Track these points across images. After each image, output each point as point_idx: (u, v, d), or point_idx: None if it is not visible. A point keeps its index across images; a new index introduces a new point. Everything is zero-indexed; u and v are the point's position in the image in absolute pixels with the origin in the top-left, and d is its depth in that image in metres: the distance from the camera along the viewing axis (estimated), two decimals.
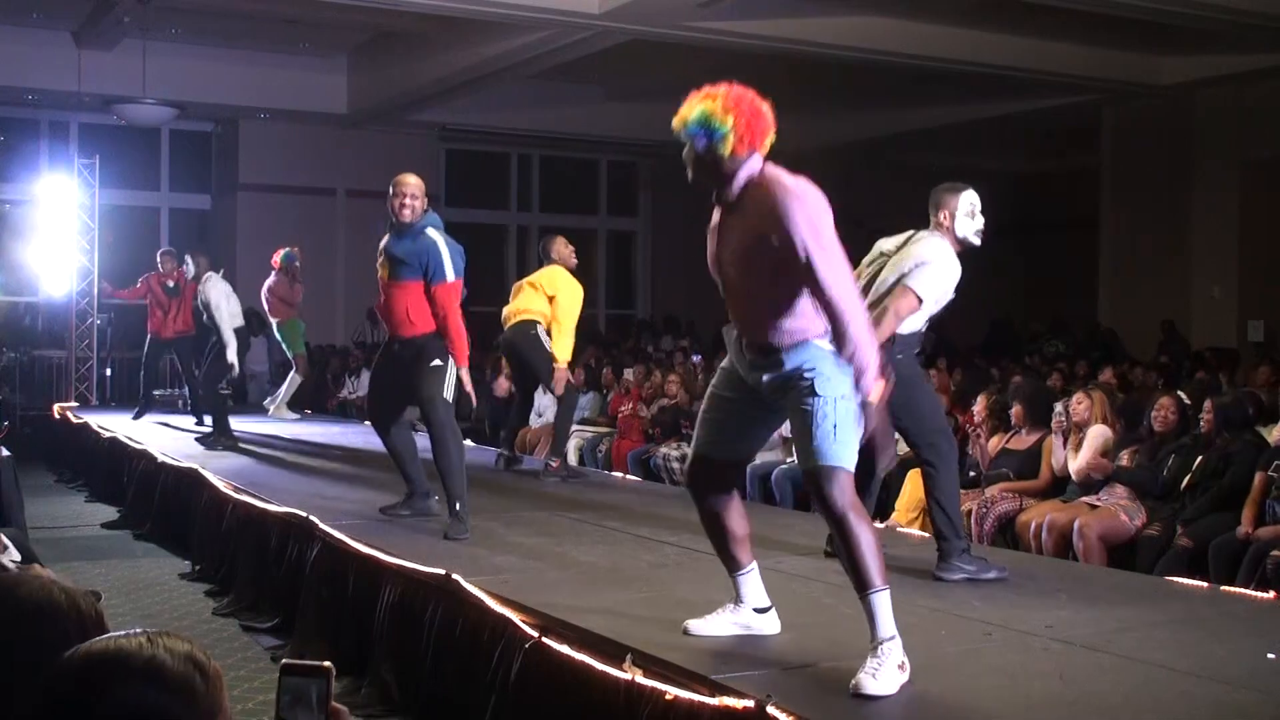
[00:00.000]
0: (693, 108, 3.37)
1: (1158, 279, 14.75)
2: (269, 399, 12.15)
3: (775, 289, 3.36)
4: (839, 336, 3.31)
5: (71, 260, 13.60)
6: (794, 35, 12.25)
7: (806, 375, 3.38)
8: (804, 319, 3.38)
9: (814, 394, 3.36)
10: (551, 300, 7.57)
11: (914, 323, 4.77)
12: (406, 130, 16.73)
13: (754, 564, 3.75)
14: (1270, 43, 12.26)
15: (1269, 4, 11.00)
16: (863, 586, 3.30)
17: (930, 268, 4.70)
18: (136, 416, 11.12)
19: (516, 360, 7.93)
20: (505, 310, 7.79)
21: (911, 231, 4.92)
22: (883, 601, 3.29)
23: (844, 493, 3.34)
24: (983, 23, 12.52)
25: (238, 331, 9.48)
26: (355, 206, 17.21)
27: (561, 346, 7.55)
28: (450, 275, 5.57)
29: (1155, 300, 14.48)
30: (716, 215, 3.53)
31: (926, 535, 5.88)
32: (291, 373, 11.80)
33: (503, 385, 10.52)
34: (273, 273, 11.27)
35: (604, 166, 19.99)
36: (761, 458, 8.16)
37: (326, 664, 1.61)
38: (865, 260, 4.97)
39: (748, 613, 3.72)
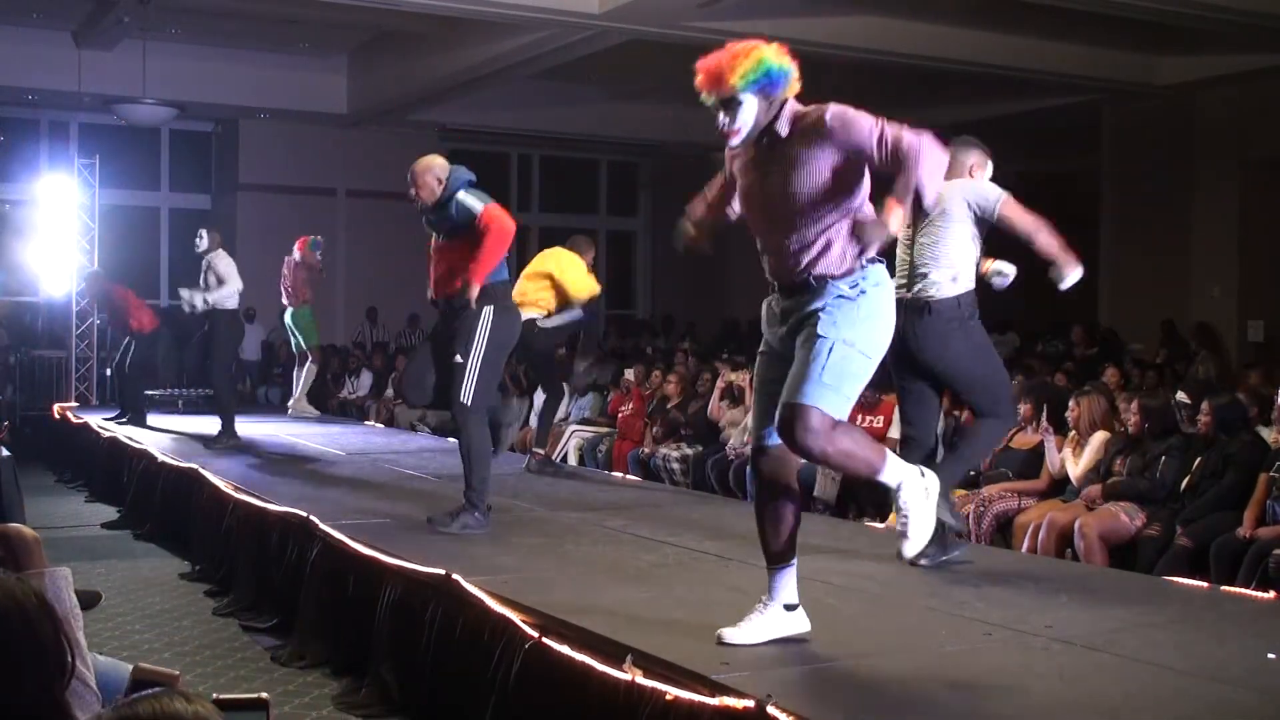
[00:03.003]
0: (750, 61, 3.38)
1: (1158, 279, 14.75)
2: (290, 401, 12.09)
3: (818, 216, 3.41)
4: (902, 174, 3.35)
5: (71, 260, 13.59)
6: (794, 35, 12.20)
7: (820, 317, 3.41)
8: (834, 257, 3.43)
9: (817, 335, 3.39)
10: (550, 278, 7.53)
11: (959, 283, 4.75)
12: (406, 130, 16.73)
13: (795, 561, 3.68)
14: (1270, 43, 12.25)
15: (1269, 4, 11.00)
16: (873, 474, 3.49)
17: (979, 190, 4.78)
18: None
19: (525, 357, 7.90)
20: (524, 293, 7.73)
21: None
22: (892, 468, 3.48)
23: (814, 433, 3.33)
24: (983, 23, 12.52)
25: (234, 313, 9.51)
26: (355, 206, 17.22)
27: (584, 289, 7.53)
28: (479, 206, 5.61)
29: (1155, 300, 14.48)
30: (750, 152, 3.54)
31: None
32: (308, 365, 11.74)
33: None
34: (295, 252, 11.37)
35: (604, 166, 20.00)
36: None
37: (264, 696, 1.65)
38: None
39: (779, 612, 3.62)
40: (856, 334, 3.40)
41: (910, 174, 3.34)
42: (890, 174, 3.38)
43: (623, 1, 11.13)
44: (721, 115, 3.42)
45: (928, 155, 3.36)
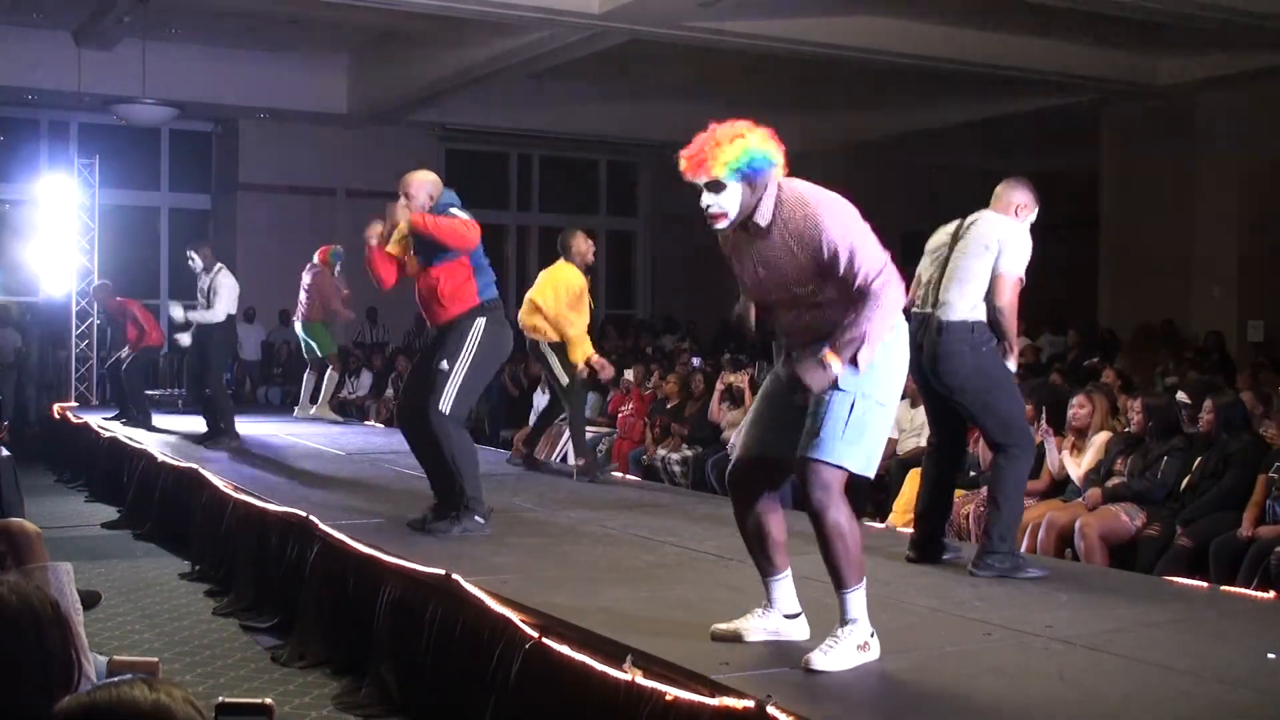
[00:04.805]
0: (733, 149, 3.33)
1: (1158, 279, 14.75)
2: (299, 407, 12.01)
3: (823, 296, 3.42)
4: (856, 319, 3.35)
5: (71, 260, 13.59)
6: (794, 35, 12.24)
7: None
8: (839, 320, 3.43)
9: (835, 388, 3.40)
10: (541, 311, 7.57)
11: (969, 308, 4.78)
12: (406, 130, 16.74)
13: (789, 570, 3.70)
14: (1270, 43, 12.25)
15: (1269, 4, 11.00)
16: (837, 584, 3.43)
17: (1013, 244, 4.76)
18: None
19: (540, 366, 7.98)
20: (521, 317, 7.79)
21: (959, 220, 4.94)
22: (855, 597, 3.42)
23: (826, 490, 3.39)
24: (983, 23, 12.52)
25: (227, 322, 9.51)
26: (355, 206, 17.19)
27: (577, 349, 7.53)
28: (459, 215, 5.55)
29: (1155, 300, 14.48)
30: (739, 240, 3.54)
31: None
32: (328, 373, 11.64)
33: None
34: (315, 267, 11.20)
35: (604, 166, 20.00)
36: None
37: (267, 701, 1.60)
38: (928, 256, 5.02)
39: (778, 618, 3.66)
40: (874, 385, 3.42)
41: (861, 327, 3.34)
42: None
43: (623, 1, 11.13)
44: (706, 195, 3.40)
45: (884, 313, 3.37)
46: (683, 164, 3.41)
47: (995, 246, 4.76)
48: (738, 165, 3.33)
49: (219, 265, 9.51)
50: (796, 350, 3.57)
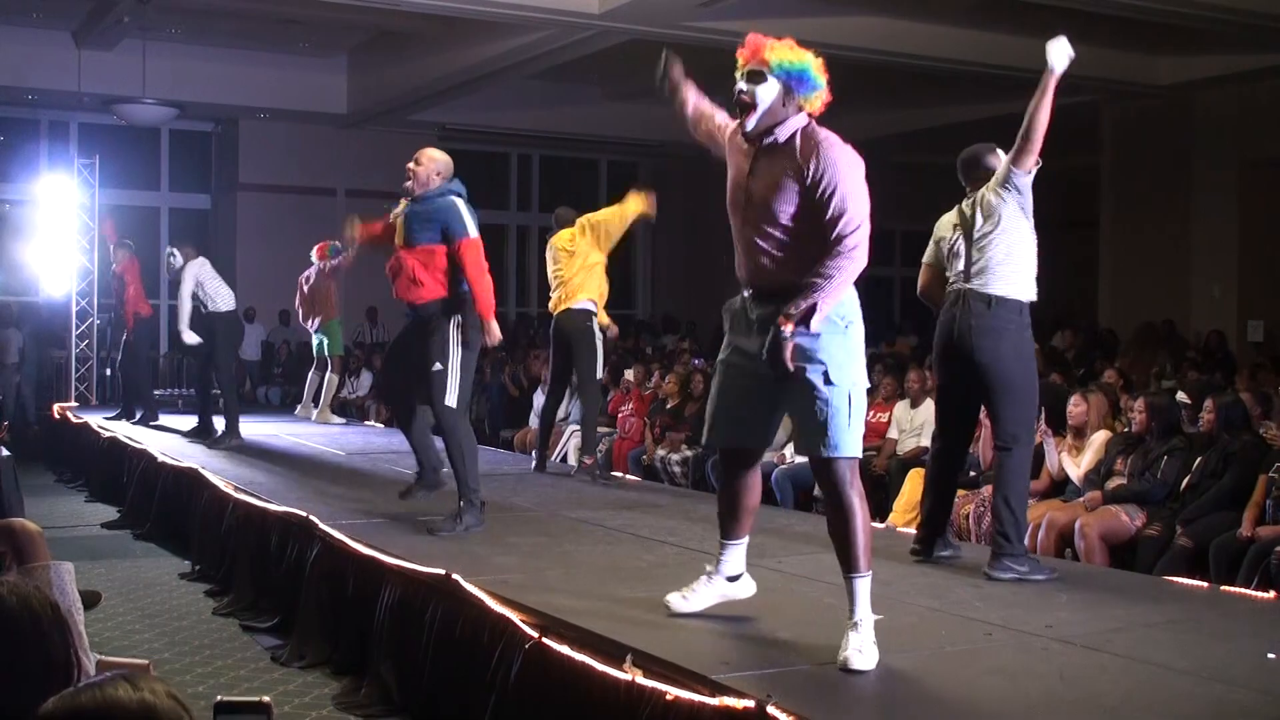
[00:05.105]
0: (792, 54, 3.54)
1: (1158, 279, 14.75)
2: (300, 406, 11.97)
3: (797, 226, 3.50)
4: (816, 274, 3.41)
5: (71, 260, 13.59)
6: (794, 35, 12.23)
7: (818, 360, 3.46)
8: (805, 270, 3.47)
9: (829, 383, 3.47)
10: (595, 245, 7.70)
11: (1024, 288, 4.74)
12: (406, 130, 16.73)
13: (747, 538, 3.93)
14: (1270, 43, 12.25)
15: (1269, 4, 11.00)
16: (850, 569, 3.52)
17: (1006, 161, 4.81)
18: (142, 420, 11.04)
19: (564, 349, 7.85)
20: (553, 299, 7.80)
21: (957, 207, 4.97)
22: (865, 585, 3.50)
23: (850, 480, 3.55)
24: (983, 23, 12.52)
25: (233, 314, 9.48)
26: (355, 206, 17.05)
27: (630, 211, 7.75)
28: (472, 232, 5.64)
29: (1155, 300, 14.48)
30: (748, 147, 3.64)
31: None
32: (327, 375, 11.61)
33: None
34: (314, 268, 11.12)
35: (604, 166, 20.00)
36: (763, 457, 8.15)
37: (265, 699, 1.60)
38: (938, 242, 5.02)
39: (721, 582, 3.90)
40: (858, 372, 3.56)
41: (818, 291, 3.39)
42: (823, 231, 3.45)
43: (623, 1, 11.14)
44: (743, 82, 3.53)
45: (846, 273, 3.43)
46: (741, 46, 3.59)
47: (1006, 202, 4.75)
48: (786, 65, 3.52)
49: (195, 260, 9.41)
50: (755, 306, 3.61)
